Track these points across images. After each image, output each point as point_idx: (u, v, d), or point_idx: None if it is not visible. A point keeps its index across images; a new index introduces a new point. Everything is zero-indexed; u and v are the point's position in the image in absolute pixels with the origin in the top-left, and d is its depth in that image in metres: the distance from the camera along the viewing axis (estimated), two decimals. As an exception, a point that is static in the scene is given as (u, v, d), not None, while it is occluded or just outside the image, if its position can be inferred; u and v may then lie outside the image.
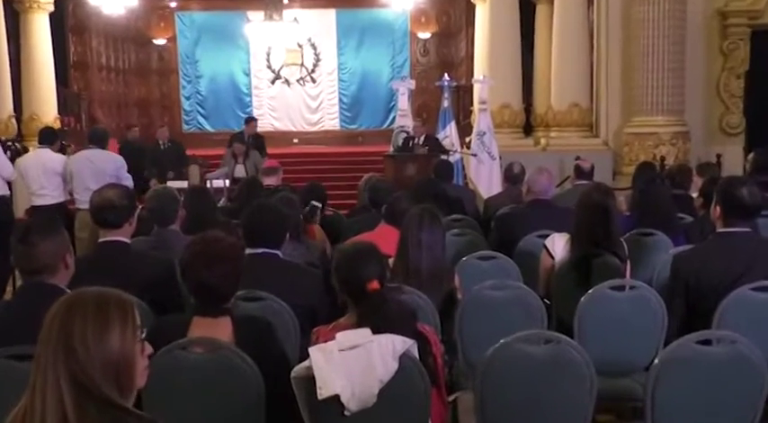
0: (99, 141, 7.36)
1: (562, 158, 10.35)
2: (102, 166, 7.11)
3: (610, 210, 3.96)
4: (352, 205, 6.95)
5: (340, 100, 19.08)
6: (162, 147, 11.58)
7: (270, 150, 12.33)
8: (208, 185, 9.41)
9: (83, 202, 6.84)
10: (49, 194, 7.44)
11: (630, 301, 3.61)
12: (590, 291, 3.59)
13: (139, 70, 18.75)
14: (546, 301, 3.93)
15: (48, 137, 7.73)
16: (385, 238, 3.76)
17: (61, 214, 7.06)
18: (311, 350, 2.48)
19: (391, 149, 10.73)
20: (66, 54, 15.23)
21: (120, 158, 7.50)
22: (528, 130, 12.55)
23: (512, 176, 6.58)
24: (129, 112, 18.22)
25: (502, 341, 2.77)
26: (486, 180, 10.41)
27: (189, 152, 12.38)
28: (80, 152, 7.68)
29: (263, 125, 17.93)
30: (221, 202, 9.23)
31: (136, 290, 3.32)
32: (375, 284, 2.62)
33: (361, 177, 6.99)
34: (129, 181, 7.18)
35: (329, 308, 3.60)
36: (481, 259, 4.40)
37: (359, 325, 2.55)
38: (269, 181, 6.79)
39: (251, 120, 12.38)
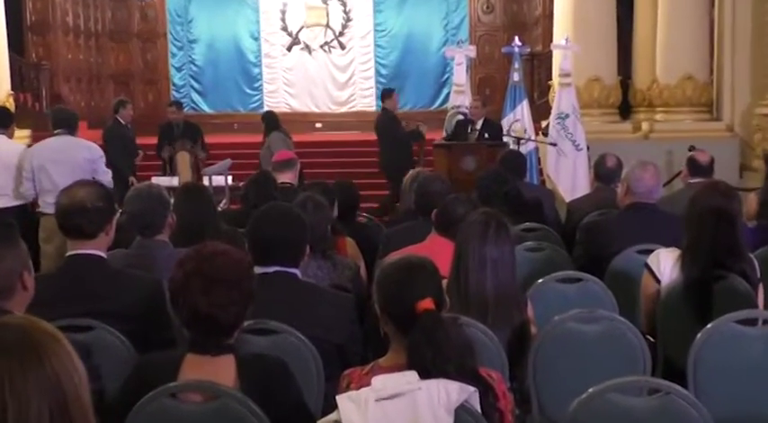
0: (66, 125, 7.46)
1: (671, 149, 10.27)
2: (73, 158, 7.22)
3: (735, 216, 3.92)
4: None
5: (376, 72, 19.15)
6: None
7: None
8: (205, 183, 9.50)
9: (48, 204, 6.91)
10: (8, 194, 7.54)
11: (765, 339, 3.56)
12: (709, 325, 3.55)
13: (117, 33, 18.99)
14: (650, 337, 3.89)
15: (3, 120, 7.81)
16: (437, 253, 3.75)
17: (21, 220, 7.12)
18: (339, 399, 2.48)
19: (444, 136, 10.75)
20: (22, 13, 15.49)
21: (96, 147, 7.60)
22: (625, 111, 12.50)
23: (604, 173, 6.53)
24: (103, 88, 18.51)
25: (591, 391, 2.75)
26: (568, 177, 10.38)
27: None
28: (43, 141, 7.75)
29: (276, 105, 18.07)
30: (222, 204, 9.35)
31: (112, 318, 3.39)
32: (428, 303, 2.63)
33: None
34: (106, 176, 7.27)
35: (363, 344, 3.62)
36: (563, 282, 4.38)
37: (409, 364, 2.56)
38: (283, 177, 6.85)
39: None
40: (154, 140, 11.80)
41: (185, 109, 18.76)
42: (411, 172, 6.87)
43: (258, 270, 3.41)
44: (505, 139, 10.32)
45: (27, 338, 1.70)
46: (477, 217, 3.77)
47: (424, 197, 5.43)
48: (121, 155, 10.16)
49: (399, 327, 2.68)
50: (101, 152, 7.49)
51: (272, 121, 11.68)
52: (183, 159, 11.49)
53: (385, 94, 11.87)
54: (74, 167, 7.05)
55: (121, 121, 11.06)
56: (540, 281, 4.35)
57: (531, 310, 3.83)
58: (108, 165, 7.69)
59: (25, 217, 7.44)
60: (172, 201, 4.47)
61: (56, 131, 7.48)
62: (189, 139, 11.57)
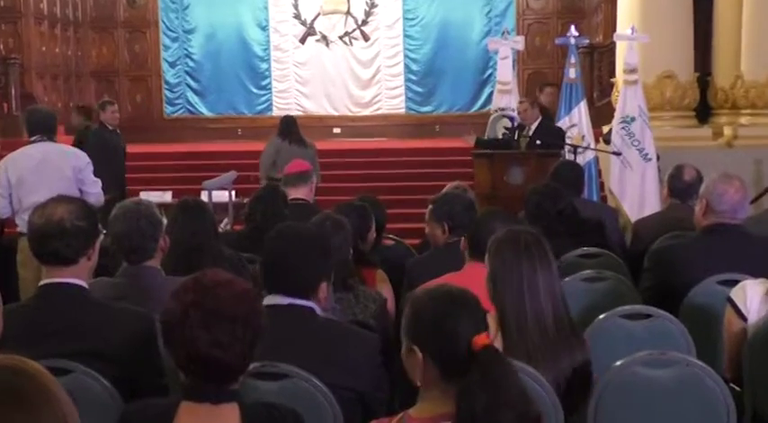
0: (45, 129, 7.47)
1: (759, 158, 10.21)
2: (58, 168, 7.25)
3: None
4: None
5: (406, 68, 19.22)
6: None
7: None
8: (204, 198, 9.53)
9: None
10: None
11: None
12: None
13: (99, 22, 19.17)
14: (734, 385, 3.86)
15: None
16: (479, 284, 3.75)
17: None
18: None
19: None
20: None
21: (83, 154, 7.61)
22: (704, 113, 12.44)
23: (679, 187, 6.52)
24: (83, 87, 18.67)
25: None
26: (635, 192, 10.34)
27: (172, 147, 12.55)
28: (20, 150, 7.69)
29: (287, 107, 18.13)
30: (224, 224, 9.38)
31: (94, 360, 3.41)
32: (485, 337, 2.65)
33: (439, 188, 7.01)
34: (96, 188, 7.29)
35: (389, 391, 3.62)
36: (629, 318, 4.37)
37: (460, 413, 2.56)
38: (296, 193, 6.87)
39: (106, 103, 12.04)
40: (143, 149, 11.89)
41: (179, 111, 19.00)
42: (447, 186, 6.87)
43: (269, 301, 3.44)
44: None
45: (12, 383, 1.71)
46: (503, 235, 3.77)
47: (460, 215, 5.41)
48: (107, 165, 10.24)
49: (447, 369, 2.68)
50: (88, 159, 7.49)
51: (284, 127, 11.61)
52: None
53: None
54: (60, 179, 7.09)
55: (107, 125, 11.14)
56: (600, 317, 4.34)
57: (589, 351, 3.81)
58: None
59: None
60: (164, 220, 4.48)
61: (32, 138, 7.48)
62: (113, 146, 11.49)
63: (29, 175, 7.27)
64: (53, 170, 7.24)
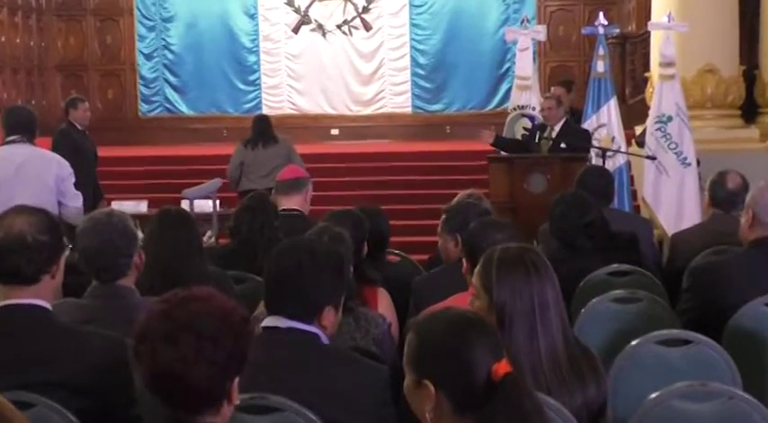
0: (24, 129, 7.40)
1: (813, 164, 10.18)
2: (39, 176, 7.21)
3: None
4: (435, 245, 6.96)
5: (413, 61, 19.25)
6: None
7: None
8: (185, 206, 9.50)
9: None
10: None
11: None
12: None
13: (66, 9, 19.20)
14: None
15: None
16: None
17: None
18: None
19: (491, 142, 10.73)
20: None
21: (67, 164, 7.55)
22: (750, 112, 12.43)
23: (722, 196, 6.52)
24: (48, 82, 18.70)
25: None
26: (672, 202, 10.32)
27: (148, 150, 12.53)
28: None
29: (279, 105, 18.14)
30: (207, 237, 9.36)
31: (60, 391, 3.40)
32: (506, 366, 2.65)
33: (450, 197, 7.01)
34: (77, 201, 7.26)
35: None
36: (665, 344, 4.36)
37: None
38: (289, 202, 6.86)
39: (76, 100, 12.04)
40: (116, 152, 11.90)
41: (156, 109, 19.00)
42: (458, 195, 6.87)
43: (268, 323, 3.47)
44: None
45: None
46: (502, 254, 3.71)
47: (472, 231, 5.38)
48: (80, 171, 10.26)
49: (463, 403, 2.68)
50: (69, 167, 7.45)
51: (255, 125, 11.62)
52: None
53: None
54: (41, 188, 7.07)
55: (77, 125, 11.15)
56: (633, 343, 4.33)
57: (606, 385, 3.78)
58: None
59: None
60: (140, 233, 4.47)
61: (9, 138, 7.40)
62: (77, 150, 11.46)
63: (6, 181, 7.15)
64: (33, 177, 7.19)
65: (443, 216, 5.69)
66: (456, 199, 6.65)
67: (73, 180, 7.40)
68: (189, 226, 5.25)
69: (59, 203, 7.18)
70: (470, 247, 4.58)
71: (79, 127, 11.19)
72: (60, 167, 7.38)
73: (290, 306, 3.55)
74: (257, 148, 11.17)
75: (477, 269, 3.67)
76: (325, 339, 3.60)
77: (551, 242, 6.24)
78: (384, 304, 5.14)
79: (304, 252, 3.66)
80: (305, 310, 3.56)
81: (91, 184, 10.75)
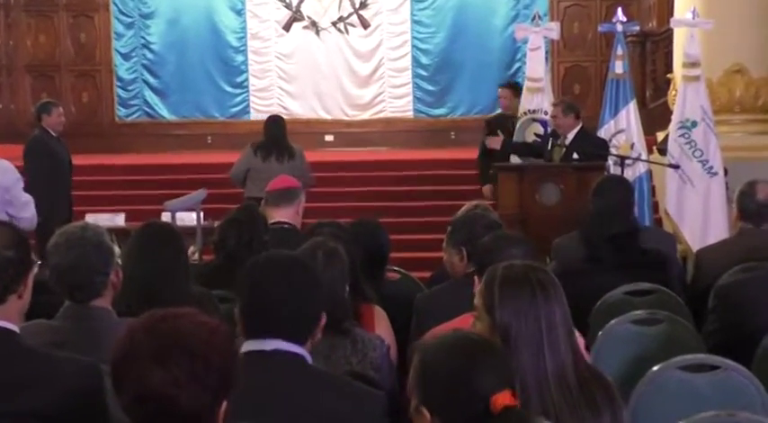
0: None
1: None
2: None
3: None
4: (439, 261, 6.98)
5: (414, 61, 19.30)
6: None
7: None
8: (166, 219, 9.51)
9: None
10: None
11: None
12: None
13: (35, 5, 19.23)
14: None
15: None
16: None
17: None
18: None
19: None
20: None
21: (12, 169, 7.61)
22: (782, 117, 12.45)
23: (752, 208, 6.53)
24: (17, 83, 18.73)
25: None
26: (697, 214, 10.33)
27: (126, 158, 12.50)
28: None
29: (268, 109, 18.15)
30: (190, 252, 9.36)
31: (29, 420, 3.41)
32: (508, 397, 2.66)
33: (455, 209, 7.02)
34: (26, 212, 7.27)
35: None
36: (690, 370, 4.37)
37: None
38: (279, 214, 6.87)
39: (50, 105, 12.02)
40: (90, 160, 11.92)
41: (135, 114, 19.00)
42: (464, 207, 6.88)
43: (251, 346, 3.46)
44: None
45: None
46: (506, 272, 3.71)
47: (479, 244, 5.40)
48: (54, 180, 10.28)
49: None
50: (18, 174, 7.47)
51: (268, 130, 11.53)
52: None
53: None
54: None
55: (51, 131, 11.18)
56: (654, 368, 4.35)
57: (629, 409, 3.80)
58: (29, 193, 7.68)
59: None
60: (117, 249, 4.47)
61: None
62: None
63: None
64: None
65: (449, 228, 5.71)
66: (461, 211, 6.66)
67: (21, 186, 7.40)
68: (173, 242, 5.23)
69: (8, 215, 7.15)
70: (483, 263, 4.57)
71: (53, 133, 11.22)
72: (4, 175, 7.38)
73: (273, 328, 3.51)
74: (269, 159, 11.04)
75: (479, 288, 3.66)
76: (310, 360, 3.57)
77: (574, 253, 6.24)
78: (382, 324, 5.12)
79: (280, 269, 3.62)
80: (295, 330, 3.53)
81: (67, 195, 10.79)
